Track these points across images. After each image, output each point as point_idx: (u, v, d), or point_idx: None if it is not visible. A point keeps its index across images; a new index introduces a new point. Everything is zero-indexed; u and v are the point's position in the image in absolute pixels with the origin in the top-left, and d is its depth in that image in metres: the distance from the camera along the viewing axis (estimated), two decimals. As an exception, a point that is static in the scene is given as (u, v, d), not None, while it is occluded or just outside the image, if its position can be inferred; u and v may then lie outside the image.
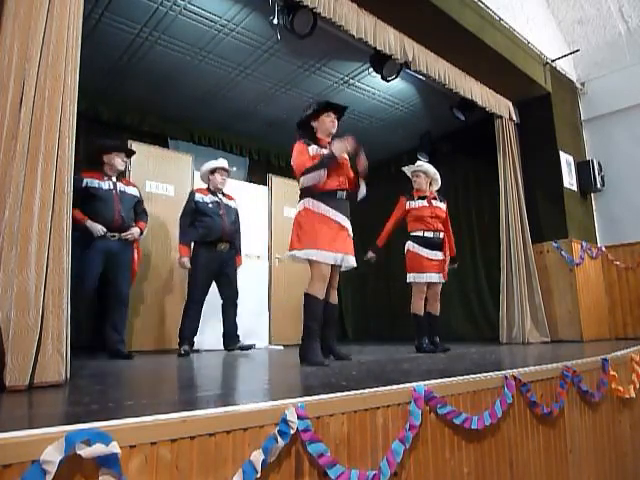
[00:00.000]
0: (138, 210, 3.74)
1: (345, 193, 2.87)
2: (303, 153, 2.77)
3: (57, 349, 1.81)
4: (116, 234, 3.47)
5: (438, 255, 3.84)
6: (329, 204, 2.76)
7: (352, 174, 3.00)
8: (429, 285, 3.84)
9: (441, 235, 3.90)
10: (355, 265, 2.90)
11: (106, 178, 3.55)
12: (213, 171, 4.10)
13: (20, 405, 1.47)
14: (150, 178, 4.61)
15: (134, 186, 3.79)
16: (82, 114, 3.38)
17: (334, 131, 2.93)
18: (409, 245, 3.90)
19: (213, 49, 4.48)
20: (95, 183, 3.47)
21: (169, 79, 4.93)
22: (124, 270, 3.54)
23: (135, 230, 3.59)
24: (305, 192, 2.81)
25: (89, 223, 3.36)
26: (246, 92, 5.26)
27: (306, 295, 2.72)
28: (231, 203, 4.21)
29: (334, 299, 2.94)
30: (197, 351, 4.49)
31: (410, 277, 3.84)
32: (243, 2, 3.93)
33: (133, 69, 4.71)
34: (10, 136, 1.83)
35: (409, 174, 4.11)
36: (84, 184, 3.43)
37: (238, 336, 4.10)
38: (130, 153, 3.79)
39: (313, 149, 2.80)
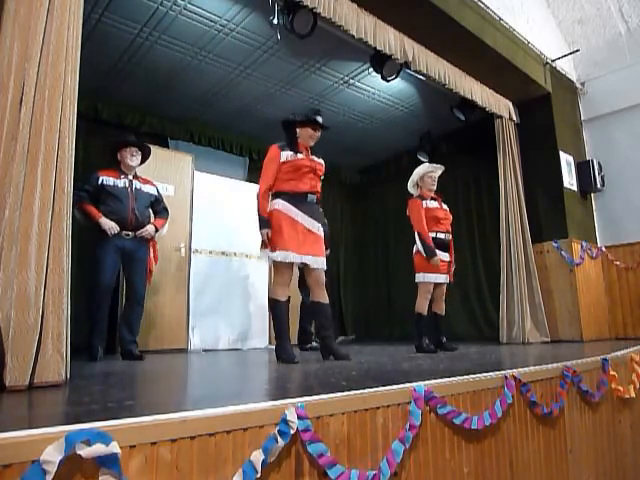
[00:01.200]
0: (158, 208, 3.69)
1: (315, 197, 2.95)
2: (273, 161, 2.90)
3: (57, 349, 1.81)
4: (130, 232, 3.43)
5: (446, 256, 3.88)
6: (299, 207, 2.84)
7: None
8: (436, 285, 3.86)
9: (450, 237, 3.95)
10: (325, 267, 2.92)
11: (122, 176, 3.52)
12: None
13: (20, 405, 1.47)
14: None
15: (152, 184, 3.73)
16: (82, 114, 3.38)
17: (312, 144, 3.04)
18: (420, 246, 3.88)
19: (213, 49, 4.48)
20: (110, 181, 3.44)
21: (169, 79, 4.93)
22: (140, 269, 3.50)
23: (150, 227, 3.55)
24: (276, 193, 2.91)
25: (102, 220, 3.33)
26: (246, 92, 5.26)
27: (269, 299, 2.88)
28: None
29: (324, 298, 2.92)
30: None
31: (420, 277, 3.83)
32: (243, 2, 3.93)
33: (133, 69, 4.71)
34: (10, 136, 1.83)
35: (425, 172, 3.99)
36: (99, 182, 3.41)
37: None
38: (141, 146, 3.65)
39: (286, 155, 2.91)
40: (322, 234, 2.96)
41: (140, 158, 3.64)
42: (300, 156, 2.92)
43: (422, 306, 3.82)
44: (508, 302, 5.01)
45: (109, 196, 3.42)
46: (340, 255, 7.38)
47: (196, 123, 5.86)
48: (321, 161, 3.05)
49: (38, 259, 1.79)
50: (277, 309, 2.85)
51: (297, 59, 4.72)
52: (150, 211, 3.67)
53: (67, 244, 1.92)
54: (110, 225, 3.34)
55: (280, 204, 2.84)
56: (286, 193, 2.86)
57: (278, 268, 2.83)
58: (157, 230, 3.63)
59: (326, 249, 4.63)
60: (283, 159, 2.89)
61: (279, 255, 2.75)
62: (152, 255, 3.63)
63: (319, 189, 2.99)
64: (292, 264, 2.82)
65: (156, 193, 3.72)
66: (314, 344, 4.68)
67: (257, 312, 5.16)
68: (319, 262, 2.86)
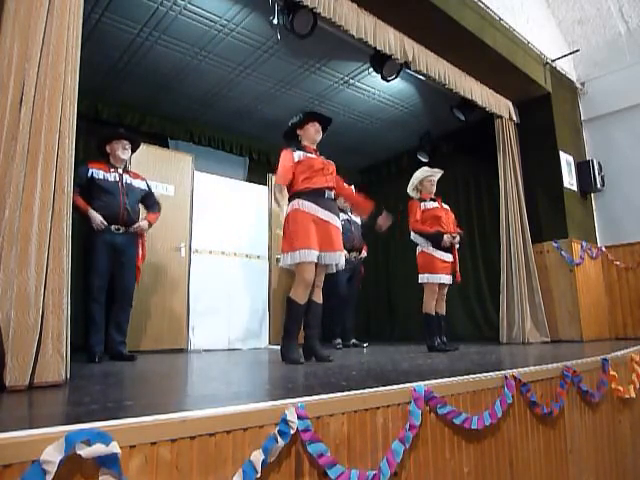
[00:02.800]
0: (149, 203, 3.62)
1: (333, 194, 2.96)
2: (287, 160, 2.92)
3: (57, 349, 1.81)
4: (121, 227, 3.36)
5: (449, 257, 3.90)
6: (317, 203, 2.85)
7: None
8: (439, 286, 3.88)
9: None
10: (343, 266, 2.95)
11: (112, 170, 3.44)
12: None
13: (20, 405, 1.47)
14: (150, 178, 4.56)
15: (142, 179, 3.66)
16: (82, 114, 3.37)
17: (319, 139, 3.07)
18: (423, 247, 3.90)
19: (213, 49, 4.48)
20: (100, 174, 3.36)
21: (169, 79, 4.93)
22: (129, 267, 3.42)
23: (144, 223, 3.48)
24: (293, 194, 2.91)
25: (91, 213, 3.24)
26: (246, 92, 5.26)
27: (288, 299, 2.83)
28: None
29: (318, 298, 2.93)
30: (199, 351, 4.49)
31: (423, 278, 3.85)
32: (243, 2, 3.93)
33: (133, 69, 4.71)
34: (10, 136, 1.83)
35: (424, 177, 4.06)
36: (89, 174, 3.33)
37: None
38: (131, 139, 3.60)
39: (299, 155, 2.94)
40: (341, 228, 2.98)
41: (130, 152, 3.60)
42: (311, 155, 2.96)
43: (429, 306, 3.85)
44: (508, 302, 5.01)
45: (100, 190, 3.33)
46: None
47: (196, 123, 5.86)
48: (331, 162, 3.08)
49: (38, 259, 1.79)
50: (294, 310, 2.80)
51: (297, 59, 4.72)
52: (140, 206, 3.58)
53: (67, 244, 1.92)
54: (98, 221, 3.24)
55: (299, 203, 2.84)
56: (303, 192, 2.86)
57: (302, 268, 2.76)
58: (150, 225, 3.56)
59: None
60: (296, 159, 2.91)
61: (305, 255, 2.72)
62: (141, 253, 3.54)
63: (334, 186, 3.00)
64: (315, 263, 2.78)
65: (146, 188, 3.65)
66: (337, 342, 4.75)
67: (257, 312, 5.16)
68: (339, 257, 2.86)
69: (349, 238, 4.88)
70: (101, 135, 3.60)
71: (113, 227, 3.34)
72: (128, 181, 3.51)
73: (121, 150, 3.49)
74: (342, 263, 2.90)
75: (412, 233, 3.92)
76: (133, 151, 3.66)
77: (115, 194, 3.38)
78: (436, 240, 3.80)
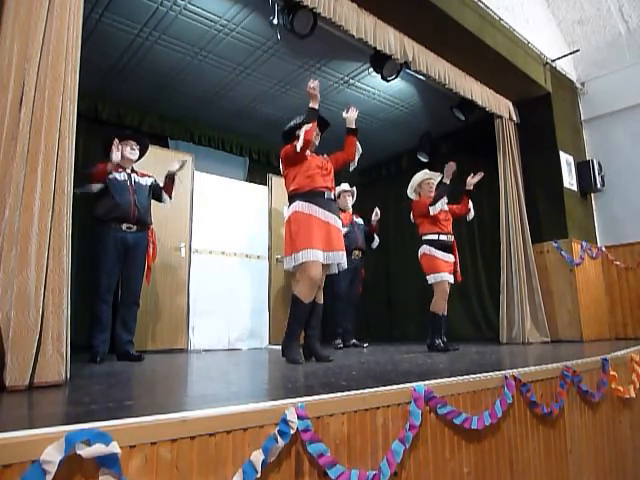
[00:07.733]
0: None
1: (332, 194, 2.97)
2: (289, 151, 2.94)
3: (57, 349, 1.81)
4: (133, 226, 3.37)
5: (451, 258, 3.94)
6: (318, 204, 2.85)
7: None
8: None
9: (452, 238, 4.00)
10: (345, 266, 2.94)
11: (121, 170, 3.45)
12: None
13: (20, 405, 1.47)
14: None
15: (149, 176, 3.67)
16: (82, 114, 3.36)
17: (317, 143, 3.09)
18: (425, 249, 3.94)
19: (213, 49, 4.48)
20: (111, 174, 3.36)
21: (169, 79, 4.93)
22: (138, 266, 3.43)
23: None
24: (293, 196, 2.92)
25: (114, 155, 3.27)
26: (246, 92, 5.26)
27: (294, 297, 2.80)
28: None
29: (319, 299, 2.93)
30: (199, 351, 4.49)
31: (431, 278, 3.89)
32: (243, 2, 3.93)
33: (133, 69, 4.71)
34: (10, 136, 1.83)
35: (423, 180, 4.12)
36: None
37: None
38: (139, 140, 3.62)
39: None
40: (341, 228, 2.98)
41: (138, 153, 3.60)
42: (309, 156, 2.96)
43: (439, 306, 3.87)
44: (508, 302, 5.00)
45: (110, 189, 3.34)
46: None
47: (196, 123, 5.86)
48: (329, 159, 3.09)
49: (38, 259, 1.79)
50: (298, 309, 2.78)
51: (297, 59, 4.72)
52: (150, 203, 3.60)
53: (67, 244, 1.92)
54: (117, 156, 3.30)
55: (299, 205, 2.84)
56: (303, 193, 2.86)
57: (307, 266, 2.73)
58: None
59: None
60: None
61: (308, 255, 2.71)
62: (151, 251, 3.56)
63: (333, 186, 3.01)
64: (320, 263, 2.76)
65: (153, 181, 3.65)
66: (338, 342, 4.75)
67: (257, 312, 5.16)
68: (340, 257, 2.86)
69: (351, 239, 4.88)
70: (108, 136, 3.57)
71: (124, 226, 3.35)
72: (136, 180, 3.52)
73: (129, 151, 3.50)
74: (344, 263, 2.90)
75: (431, 209, 3.88)
76: (141, 155, 3.66)
77: (125, 193, 3.39)
78: (439, 198, 3.85)
